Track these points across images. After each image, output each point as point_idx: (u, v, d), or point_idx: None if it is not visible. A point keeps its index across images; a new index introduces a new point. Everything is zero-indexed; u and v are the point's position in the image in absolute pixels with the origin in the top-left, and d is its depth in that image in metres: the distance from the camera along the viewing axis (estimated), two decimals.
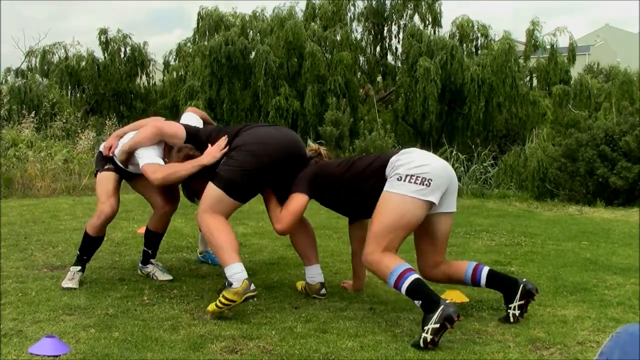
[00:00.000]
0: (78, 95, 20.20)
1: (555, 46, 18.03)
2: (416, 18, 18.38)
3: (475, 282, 4.13)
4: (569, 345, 3.57)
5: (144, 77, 20.73)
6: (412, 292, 3.61)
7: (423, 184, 3.72)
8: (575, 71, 20.47)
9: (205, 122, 4.92)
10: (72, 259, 4.98)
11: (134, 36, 20.58)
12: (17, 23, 42.73)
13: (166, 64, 20.97)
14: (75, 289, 4.61)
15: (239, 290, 3.78)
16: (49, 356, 3.31)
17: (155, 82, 21.11)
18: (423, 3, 18.17)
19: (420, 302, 3.56)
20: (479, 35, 18.08)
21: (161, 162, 4.27)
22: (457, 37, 17.49)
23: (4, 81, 19.46)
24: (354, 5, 18.68)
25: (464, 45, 17.59)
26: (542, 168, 11.52)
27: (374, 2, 18.53)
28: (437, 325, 3.42)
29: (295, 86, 16.67)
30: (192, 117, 4.85)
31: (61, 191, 10.61)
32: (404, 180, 3.74)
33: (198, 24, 19.23)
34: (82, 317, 3.99)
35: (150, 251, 5.08)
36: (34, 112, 13.92)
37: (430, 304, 3.50)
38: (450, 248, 6.32)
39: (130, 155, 4.39)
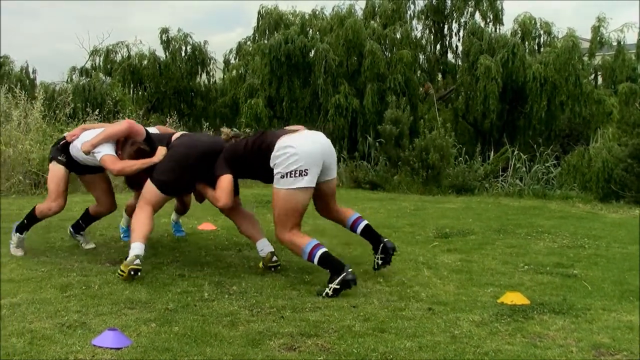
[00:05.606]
0: (140, 93, 20.60)
1: (622, 43, 17.57)
2: (477, 15, 18.14)
3: (353, 229, 5.27)
4: (636, 352, 3.46)
5: (204, 76, 21.01)
6: (322, 263, 4.62)
7: (302, 175, 4.66)
8: None
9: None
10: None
11: (195, 35, 20.82)
12: (82, 23, 43.78)
13: (226, 62, 21.19)
14: (24, 254, 5.61)
15: (126, 263, 4.68)
16: (111, 348, 3.38)
17: (215, 81, 21.36)
18: (484, 0, 17.92)
19: (329, 269, 4.56)
20: (541, 32, 17.73)
21: (116, 155, 5.18)
22: (519, 35, 17.19)
23: (69, 80, 19.92)
24: (413, 3, 18.56)
25: (526, 42, 17.26)
26: (607, 169, 11.20)
27: (434, 0, 18.35)
28: (338, 287, 4.45)
29: (355, 84, 16.63)
30: (152, 130, 5.75)
31: (123, 187, 10.79)
32: (286, 177, 4.67)
33: (258, 22, 19.37)
34: (143, 311, 4.06)
35: (84, 225, 6.03)
36: (97, 109, 14.16)
37: (337, 269, 4.50)
38: (512, 249, 6.23)
39: (94, 147, 5.14)
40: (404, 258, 5.77)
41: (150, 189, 5.08)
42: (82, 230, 6.06)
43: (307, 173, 4.67)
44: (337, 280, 4.43)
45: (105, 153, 5.13)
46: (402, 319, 4.00)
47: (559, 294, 4.60)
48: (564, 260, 5.75)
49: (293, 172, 4.65)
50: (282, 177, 4.68)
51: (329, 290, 4.43)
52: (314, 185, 4.75)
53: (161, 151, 5.13)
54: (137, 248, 4.75)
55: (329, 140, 5.06)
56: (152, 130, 5.78)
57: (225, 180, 5.02)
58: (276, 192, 4.75)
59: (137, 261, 4.66)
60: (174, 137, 5.28)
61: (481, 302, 4.39)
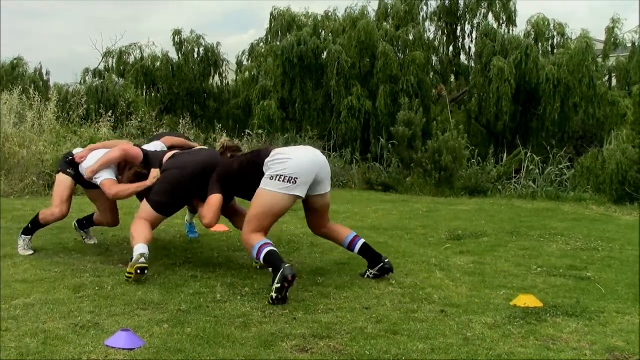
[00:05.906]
0: (153, 94, 20.63)
1: (636, 44, 17.42)
2: (490, 17, 18.01)
3: (350, 248, 5.20)
4: None
5: (217, 77, 21.00)
6: (266, 261, 4.55)
7: (290, 182, 4.68)
8: None
9: (173, 147, 5.88)
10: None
11: (208, 37, 20.84)
12: (95, 25, 43.96)
13: (239, 64, 21.20)
14: (33, 253, 5.75)
15: (132, 264, 4.73)
16: (124, 349, 3.39)
17: (228, 82, 21.37)
18: (497, 2, 17.80)
19: (271, 268, 4.48)
20: (555, 33, 17.62)
21: (115, 179, 5.41)
22: (532, 36, 17.07)
23: (82, 81, 20.00)
24: (426, 4, 18.45)
25: (540, 44, 17.14)
26: (621, 171, 11.11)
27: (447, 2, 18.26)
28: (279, 285, 4.30)
29: (368, 86, 16.59)
30: (158, 145, 5.87)
31: None
32: (274, 180, 4.70)
33: (271, 24, 19.36)
34: (156, 312, 4.07)
35: (87, 225, 6.33)
36: (110, 111, 14.18)
37: (276, 269, 4.39)
38: (525, 251, 6.21)
39: (94, 174, 5.37)
40: (417, 260, 5.76)
41: (146, 208, 5.23)
42: (85, 228, 6.36)
43: (295, 182, 4.68)
44: (276, 280, 4.31)
45: (105, 178, 5.37)
46: (414, 321, 4.00)
47: (572, 297, 4.57)
48: (578, 263, 5.72)
49: (283, 177, 4.67)
50: (271, 178, 4.71)
51: (273, 292, 4.32)
52: (298, 195, 4.75)
53: (154, 173, 5.29)
54: (140, 248, 4.82)
55: (324, 157, 5.10)
56: (158, 144, 5.89)
57: (214, 200, 5.06)
58: (260, 192, 4.77)
59: (142, 259, 4.73)
60: (165, 157, 5.40)
61: (494, 305, 4.37)
